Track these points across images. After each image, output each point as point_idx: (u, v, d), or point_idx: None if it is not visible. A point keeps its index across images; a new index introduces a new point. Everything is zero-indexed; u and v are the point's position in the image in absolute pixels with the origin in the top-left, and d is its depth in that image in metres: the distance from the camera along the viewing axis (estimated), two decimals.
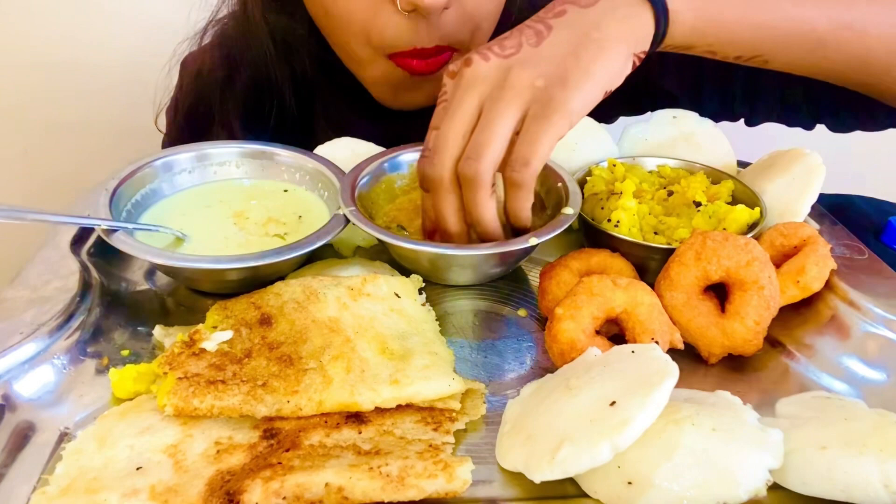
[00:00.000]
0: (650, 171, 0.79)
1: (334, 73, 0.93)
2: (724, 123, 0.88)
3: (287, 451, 0.47)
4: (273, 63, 0.89)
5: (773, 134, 0.94)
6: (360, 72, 0.84)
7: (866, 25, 0.65)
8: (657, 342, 0.56)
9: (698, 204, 0.71)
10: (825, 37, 0.65)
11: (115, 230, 0.63)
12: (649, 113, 0.88)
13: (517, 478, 0.48)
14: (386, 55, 0.77)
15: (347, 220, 0.66)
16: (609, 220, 0.69)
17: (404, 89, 0.83)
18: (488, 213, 0.61)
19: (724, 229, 0.67)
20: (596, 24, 0.59)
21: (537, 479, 0.45)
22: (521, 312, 0.66)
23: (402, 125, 0.86)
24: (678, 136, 0.83)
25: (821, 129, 0.87)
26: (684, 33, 0.62)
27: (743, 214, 0.68)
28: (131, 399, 0.54)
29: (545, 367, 0.59)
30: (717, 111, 0.88)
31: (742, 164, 0.84)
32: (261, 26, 0.87)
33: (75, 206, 0.74)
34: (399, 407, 0.52)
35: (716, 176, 0.77)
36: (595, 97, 0.59)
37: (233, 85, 0.94)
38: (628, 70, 0.60)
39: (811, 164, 0.71)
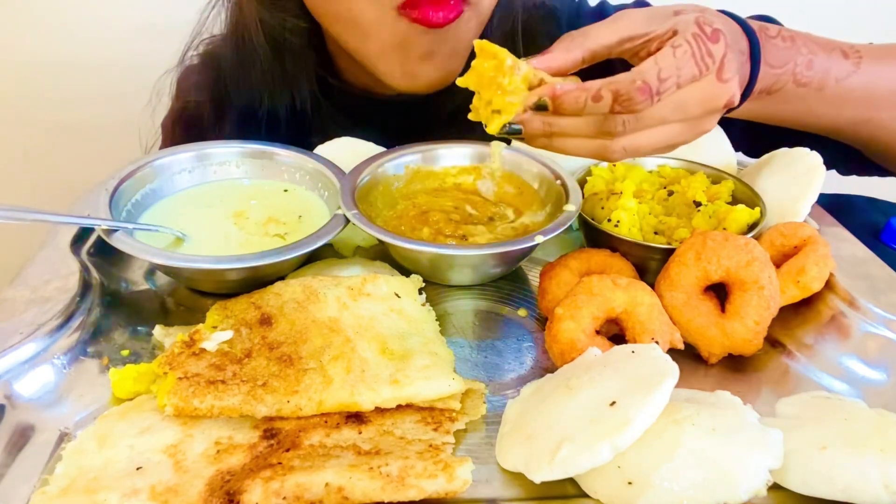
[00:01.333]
0: (650, 171, 0.79)
1: (334, 94, 0.92)
2: None
3: (287, 451, 0.47)
4: (274, 90, 0.88)
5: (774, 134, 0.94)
6: (367, 44, 0.78)
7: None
8: (657, 342, 0.56)
9: (698, 204, 0.71)
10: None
11: (115, 230, 0.63)
12: None
13: (517, 478, 0.48)
14: (396, 8, 0.72)
15: (347, 220, 0.66)
16: (609, 220, 0.69)
17: (416, 57, 0.77)
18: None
19: (724, 229, 0.67)
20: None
21: (537, 479, 0.46)
22: (521, 312, 0.66)
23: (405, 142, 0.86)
24: None
25: None
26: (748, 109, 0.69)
27: (743, 214, 0.68)
28: (131, 399, 0.54)
29: (545, 367, 0.59)
30: None
31: (742, 165, 0.84)
32: (256, 33, 0.85)
33: (75, 206, 0.74)
34: (399, 407, 0.52)
35: (716, 176, 0.77)
36: None
37: (223, 119, 0.93)
38: None
39: (811, 164, 0.71)
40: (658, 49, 0.58)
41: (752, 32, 0.64)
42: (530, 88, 0.58)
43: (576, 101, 0.56)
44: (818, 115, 0.74)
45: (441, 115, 0.89)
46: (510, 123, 0.59)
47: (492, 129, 0.59)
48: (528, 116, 0.58)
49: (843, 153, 0.81)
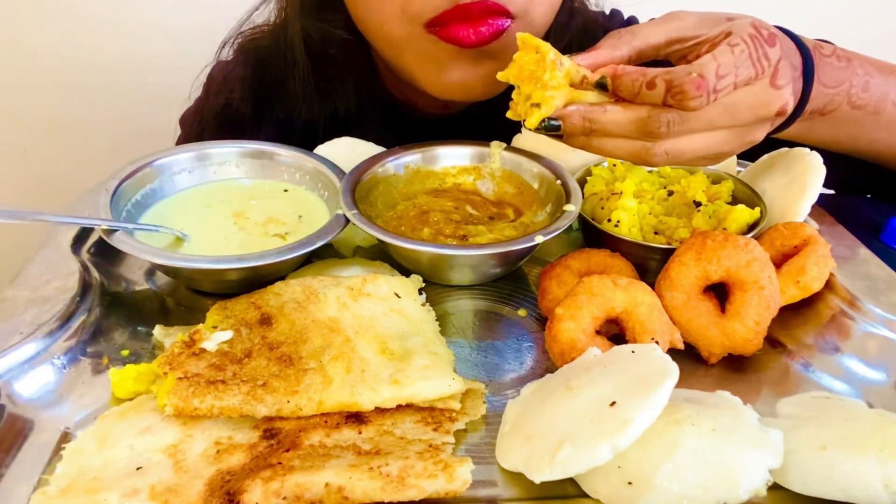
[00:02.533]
0: (650, 171, 0.79)
1: (376, 100, 0.91)
2: None
3: (287, 451, 0.47)
4: (314, 100, 0.87)
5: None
6: (401, 57, 0.76)
7: None
8: (657, 342, 0.56)
9: (698, 204, 0.71)
10: None
11: (116, 230, 0.63)
12: None
13: (517, 478, 0.48)
14: (425, 26, 0.69)
15: (347, 220, 0.67)
16: (609, 220, 0.69)
17: (451, 64, 0.73)
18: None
19: (724, 229, 0.67)
20: None
21: (537, 480, 0.45)
22: (521, 312, 0.66)
23: None
24: None
25: None
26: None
27: (743, 214, 0.68)
28: (131, 399, 0.54)
29: (545, 367, 0.59)
30: None
31: (742, 164, 0.84)
32: (298, 45, 0.84)
33: (75, 206, 0.74)
34: (399, 407, 0.52)
35: (715, 176, 0.77)
36: None
37: (262, 120, 0.92)
38: None
39: (811, 164, 0.71)
40: (708, 52, 0.56)
41: (805, 49, 0.62)
42: (572, 85, 0.57)
43: (633, 82, 0.54)
44: (872, 140, 0.72)
45: (485, 132, 0.85)
46: (549, 119, 0.58)
47: (530, 123, 0.58)
48: (568, 112, 0.57)
49: (854, 175, 0.80)
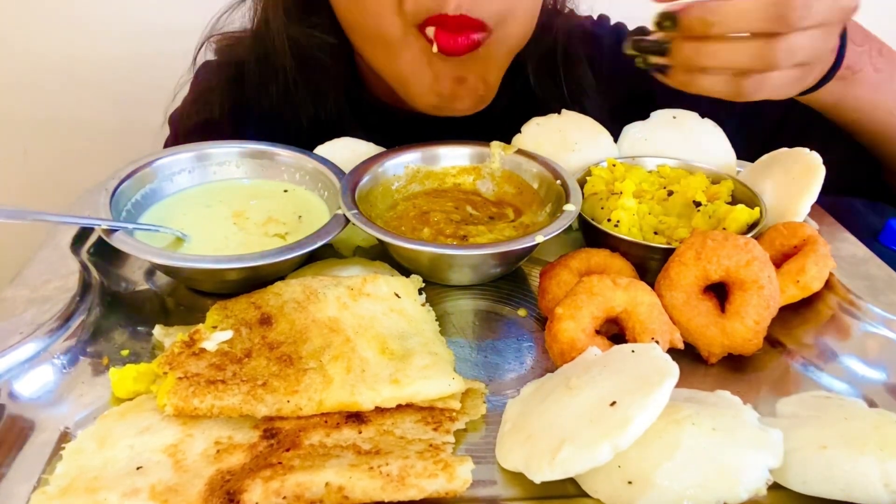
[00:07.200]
0: (650, 171, 0.79)
1: (362, 109, 0.91)
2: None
3: (287, 450, 0.47)
4: (297, 104, 0.87)
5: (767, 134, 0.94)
6: (397, 64, 0.78)
7: None
8: (657, 342, 0.56)
9: (698, 204, 0.71)
10: None
11: (116, 230, 0.63)
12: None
13: (517, 477, 0.48)
14: (416, 25, 0.73)
15: (347, 221, 0.67)
16: (609, 220, 0.69)
17: (445, 80, 0.77)
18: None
19: (724, 229, 0.67)
20: None
21: (538, 479, 0.46)
22: (521, 312, 0.66)
23: None
24: (678, 135, 0.83)
25: None
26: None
27: (743, 214, 0.68)
28: (131, 399, 0.54)
29: (545, 366, 0.59)
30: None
31: (741, 165, 0.84)
32: (282, 48, 0.84)
33: (75, 206, 0.74)
34: (399, 407, 0.52)
35: (715, 176, 0.77)
36: None
37: (243, 129, 0.91)
38: None
39: (811, 164, 0.71)
40: None
41: None
42: None
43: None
44: (890, 110, 0.76)
45: (469, 132, 0.86)
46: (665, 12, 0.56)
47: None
48: (688, 3, 0.56)
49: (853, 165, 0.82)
